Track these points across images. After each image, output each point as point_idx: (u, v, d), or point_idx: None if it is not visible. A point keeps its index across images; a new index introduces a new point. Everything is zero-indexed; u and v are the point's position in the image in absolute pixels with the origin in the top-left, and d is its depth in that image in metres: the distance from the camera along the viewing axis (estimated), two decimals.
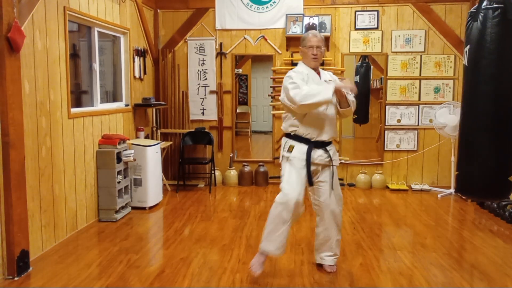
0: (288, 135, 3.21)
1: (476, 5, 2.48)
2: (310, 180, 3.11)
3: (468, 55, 2.51)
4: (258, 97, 11.12)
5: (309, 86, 3.03)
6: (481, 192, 2.57)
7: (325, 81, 3.16)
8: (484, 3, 2.41)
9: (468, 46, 2.51)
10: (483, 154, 2.47)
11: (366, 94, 6.65)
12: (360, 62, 6.53)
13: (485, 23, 2.40)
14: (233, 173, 6.22)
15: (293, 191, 3.00)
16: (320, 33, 3.22)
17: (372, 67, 6.54)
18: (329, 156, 3.14)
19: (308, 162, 3.08)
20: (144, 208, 4.95)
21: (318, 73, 3.18)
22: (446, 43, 5.88)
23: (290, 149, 3.14)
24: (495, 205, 4.66)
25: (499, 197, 2.64)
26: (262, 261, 3.10)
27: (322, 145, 3.13)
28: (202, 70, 6.27)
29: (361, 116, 6.70)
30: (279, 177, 3.23)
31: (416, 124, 6.04)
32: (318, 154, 3.11)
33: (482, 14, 2.41)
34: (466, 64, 2.54)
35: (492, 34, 2.37)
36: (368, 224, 4.42)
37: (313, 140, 3.10)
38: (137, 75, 5.61)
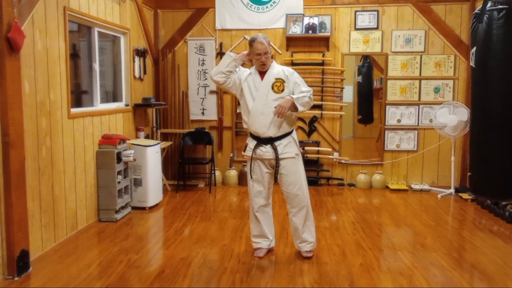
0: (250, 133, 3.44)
1: (480, 7, 2.48)
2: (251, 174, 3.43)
3: (475, 56, 2.51)
4: None
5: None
6: (496, 192, 2.57)
7: (273, 80, 3.28)
8: (489, 4, 2.42)
9: (475, 48, 2.51)
10: (496, 154, 2.47)
11: (369, 94, 6.64)
12: (361, 62, 6.52)
13: (490, 24, 2.40)
14: (233, 173, 6.22)
15: (254, 203, 3.48)
16: (266, 37, 3.26)
17: (373, 67, 6.53)
18: (275, 151, 3.29)
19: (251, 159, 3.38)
20: (144, 208, 4.95)
21: (264, 73, 3.32)
22: (446, 43, 5.88)
23: (244, 148, 3.44)
24: (495, 205, 4.66)
25: None
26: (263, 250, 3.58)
27: (270, 141, 3.31)
28: (202, 70, 6.27)
29: (365, 116, 6.69)
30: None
31: (416, 124, 6.04)
32: (265, 150, 3.34)
33: (487, 16, 2.42)
34: (473, 65, 2.54)
35: (498, 35, 2.38)
36: (368, 224, 4.42)
37: (261, 137, 3.32)
38: (137, 75, 5.61)
